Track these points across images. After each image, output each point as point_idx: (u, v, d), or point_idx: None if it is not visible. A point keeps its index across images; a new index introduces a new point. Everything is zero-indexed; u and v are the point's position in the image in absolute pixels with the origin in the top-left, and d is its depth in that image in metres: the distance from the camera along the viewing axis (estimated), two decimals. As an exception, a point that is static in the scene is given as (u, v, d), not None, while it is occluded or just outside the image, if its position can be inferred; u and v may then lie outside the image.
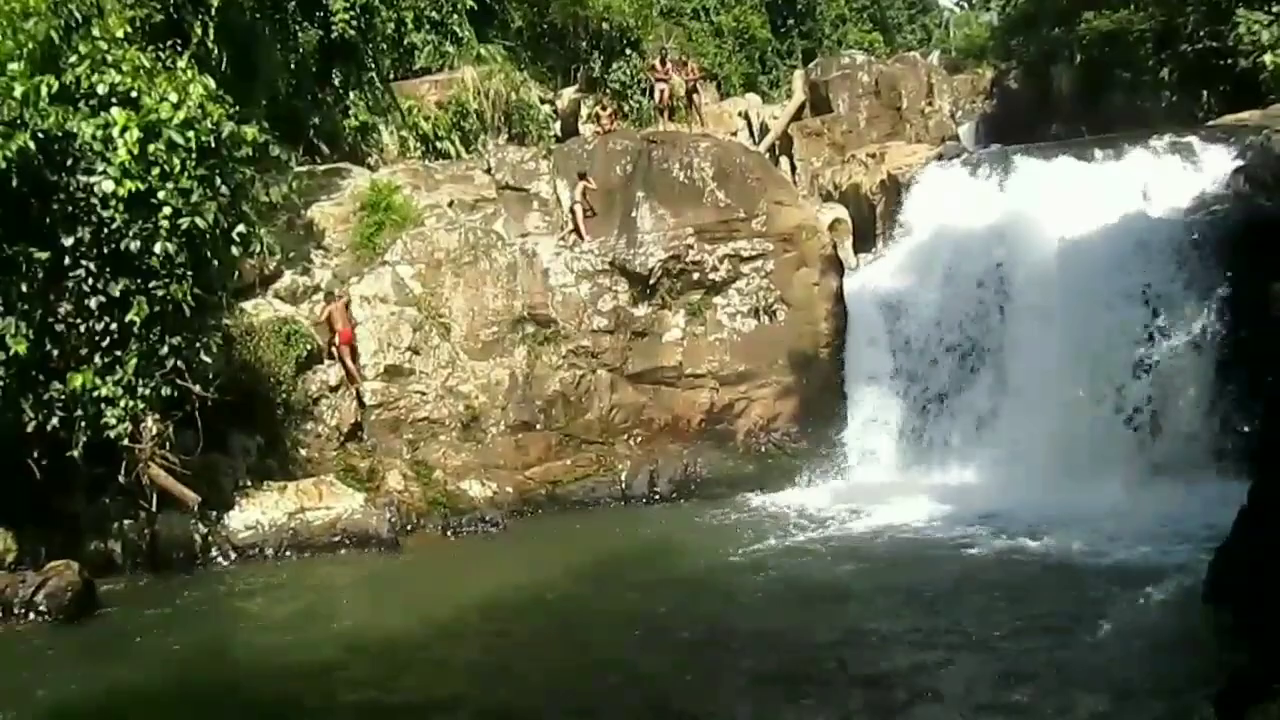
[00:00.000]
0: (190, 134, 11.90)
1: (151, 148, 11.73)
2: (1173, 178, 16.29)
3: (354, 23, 19.17)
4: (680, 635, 10.10)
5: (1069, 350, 15.32)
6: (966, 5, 46.87)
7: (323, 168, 18.85)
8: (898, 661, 9.20)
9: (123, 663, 9.85)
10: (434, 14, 25.11)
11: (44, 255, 11.46)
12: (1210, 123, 19.37)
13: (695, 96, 24.74)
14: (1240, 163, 15.98)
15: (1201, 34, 22.38)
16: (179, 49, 13.29)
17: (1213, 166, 16.17)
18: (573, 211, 17.41)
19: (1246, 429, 14.02)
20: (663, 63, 23.58)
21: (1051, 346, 15.46)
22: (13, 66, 11.33)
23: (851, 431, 16.86)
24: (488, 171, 18.80)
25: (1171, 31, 23.43)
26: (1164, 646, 8.99)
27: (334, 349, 16.01)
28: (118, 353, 11.90)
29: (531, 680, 9.28)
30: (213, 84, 12.37)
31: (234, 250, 12.92)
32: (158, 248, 11.75)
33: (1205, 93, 22.49)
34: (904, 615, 10.33)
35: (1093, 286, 15.44)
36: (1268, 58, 20.51)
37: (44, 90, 11.35)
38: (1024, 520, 12.88)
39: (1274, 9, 21.09)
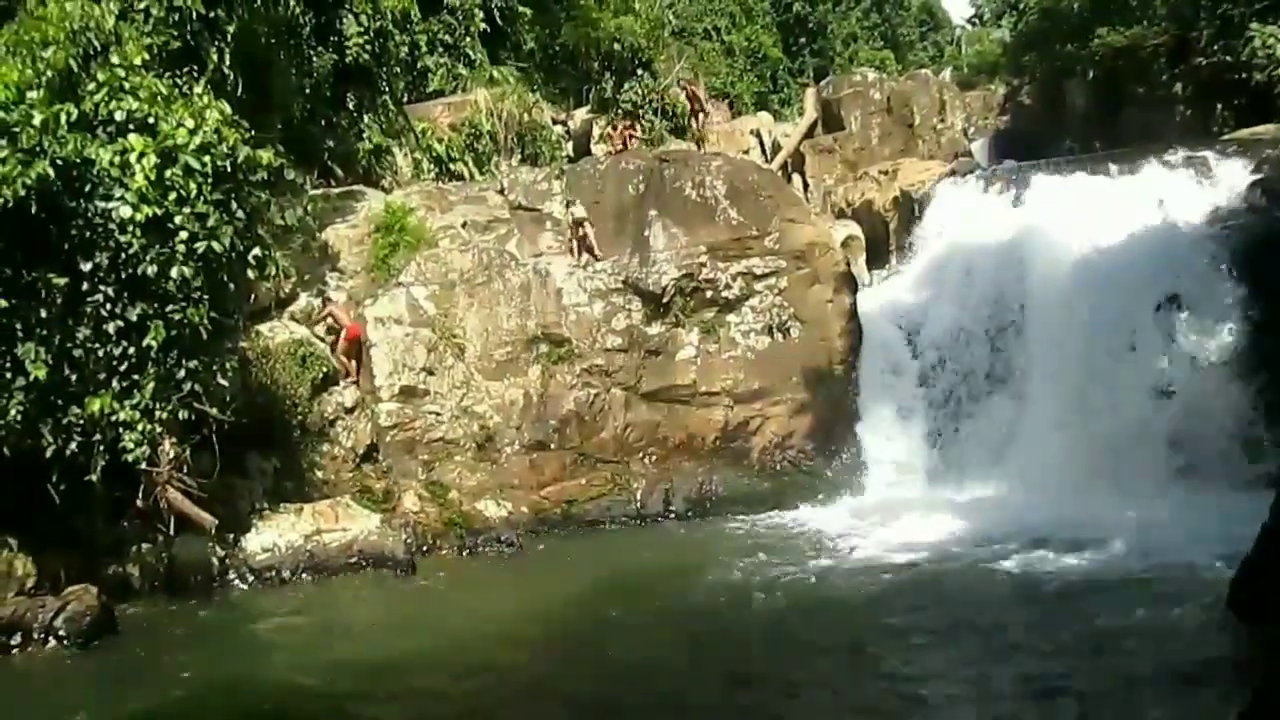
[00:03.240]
0: (206, 159, 11.98)
1: (168, 173, 11.82)
2: (1188, 192, 16.25)
3: (368, 47, 19.31)
4: (702, 659, 10.04)
5: (1088, 364, 15.25)
6: (978, 22, 46.95)
7: (337, 190, 18.96)
8: (914, 686, 9.12)
9: (142, 687, 9.86)
10: (447, 37, 25.32)
11: (62, 281, 11.53)
12: (1225, 137, 19.32)
13: (700, 117, 25.01)
14: (1257, 176, 15.93)
15: (1215, 48, 22.37)
16: (195, 75, 13.41)
17: (1228, 180, 16.13)
18: (576, 227, 17.42)
19: (1268, 441, 13.96)
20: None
21: (1070, 361, 15.40)
22: (32, 95, 11.45)
23: (867, 448, 16.77)
24: (501, 192, 18.88)
25: (1185, 46, 23.43)
26: (1188, 663, 8.89)
27: (340, 351, 16.11)
28: (135, 377, 11.94)
29: (553, 703, 9.25)
30: (228, 109, 12.47)
31: (250, 273, 12.98)
32: (174, 272, 11.82)
33: (1220, 107, 22.44)
34: (923, 635, 10.25)
35: (1111, 301, 15.39)
36: (1282, 71, 20.49)
37: (63, 118, 11.45)
38: (1045, 536, 12.77)
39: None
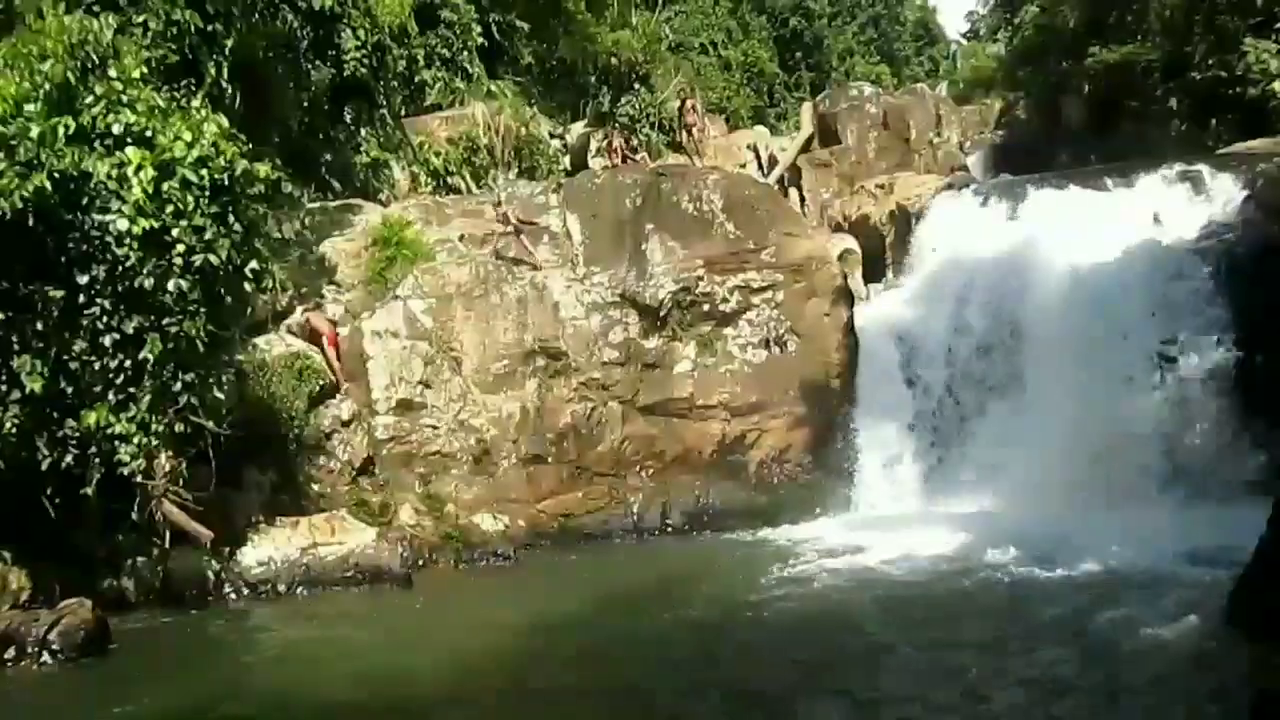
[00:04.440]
0: (204, 172, 11.99)
1: (166, 186, 11.82)
2: (1183, 206, 16.31)
3: (366, 61, 19.36)
4: (697, 674, 10.01)
5: (1083, 377, 15.26)
6: (974, 37, 47.17)
7: (335, 204, 18.97)
8: (905, 704, 9.08)
9: (136, 701, 9.79)
10: (445, 51, 25.40)
11: (59, 293, 11.54)
12: (1220, 151, 19.39)
13: (695, 131, 25.12)
14: (1250, 190, 15.99)
15: (1210, 63, 22.44)
16: (193, 88, 13.45)
17: (1222, 195, 16.20)
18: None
19: (1264, 455, 13.98)
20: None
21: (1066, 374, 15.41)
22: (30, 108, 11.47)
23: (864, 462, 16.75)
24: (498, 205, 18.89)
25: (1180, 61, 23.50)
26: (1187, 673, 8.88)
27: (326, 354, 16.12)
28: (131, 389, 11.93)
29: (550, 717, 9.21)
30: (226, 122, 12.48)
31: (247, 286, 12.98)
32: (171, 285, 11.82)
33: (1214, 121, 22.52)
34: (917, 651, 10.22)
35: (1106, 313, 15.43)
36: (1277, 86, 20.56)
37: (60, 131, 11.47)
38: (1041, 548, 12.75)
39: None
